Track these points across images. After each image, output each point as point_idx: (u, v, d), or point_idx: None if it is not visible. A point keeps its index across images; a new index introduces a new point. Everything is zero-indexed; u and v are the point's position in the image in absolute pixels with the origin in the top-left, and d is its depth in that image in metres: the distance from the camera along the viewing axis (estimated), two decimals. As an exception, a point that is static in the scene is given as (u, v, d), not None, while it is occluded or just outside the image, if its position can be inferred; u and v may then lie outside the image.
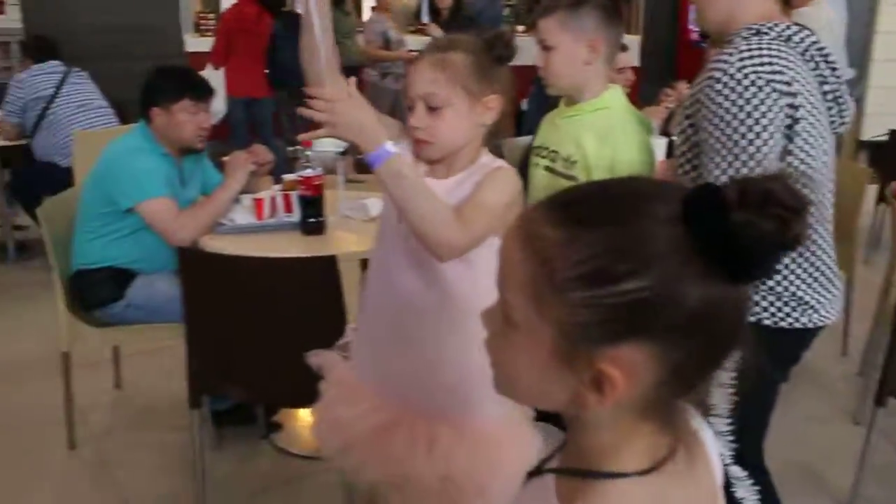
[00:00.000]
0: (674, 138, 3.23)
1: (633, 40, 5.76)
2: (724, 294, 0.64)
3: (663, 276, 0.62)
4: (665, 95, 3.52)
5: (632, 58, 3.51)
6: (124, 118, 4.50)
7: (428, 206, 1.36)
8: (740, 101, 1.48)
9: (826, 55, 1.60)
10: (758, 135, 1.48)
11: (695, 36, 6.76)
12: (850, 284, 3.09)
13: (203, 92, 2.73)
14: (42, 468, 2.65)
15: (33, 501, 2.49)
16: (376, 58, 6.07)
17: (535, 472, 0.79)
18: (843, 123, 1.69)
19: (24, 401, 3.07)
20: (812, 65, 1.59)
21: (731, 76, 1.49)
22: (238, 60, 5.78)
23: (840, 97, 1.65)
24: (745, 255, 0.62)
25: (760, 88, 1.48)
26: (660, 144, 3.28)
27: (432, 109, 1.44)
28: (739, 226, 0.60)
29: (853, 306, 3.22)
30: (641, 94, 3.51)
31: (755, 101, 1.48)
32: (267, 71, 6.01)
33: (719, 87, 1.50)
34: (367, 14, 7.89)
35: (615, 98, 1.99)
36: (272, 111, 6.08)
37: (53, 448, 2.74)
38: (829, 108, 1.64)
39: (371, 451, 1.54)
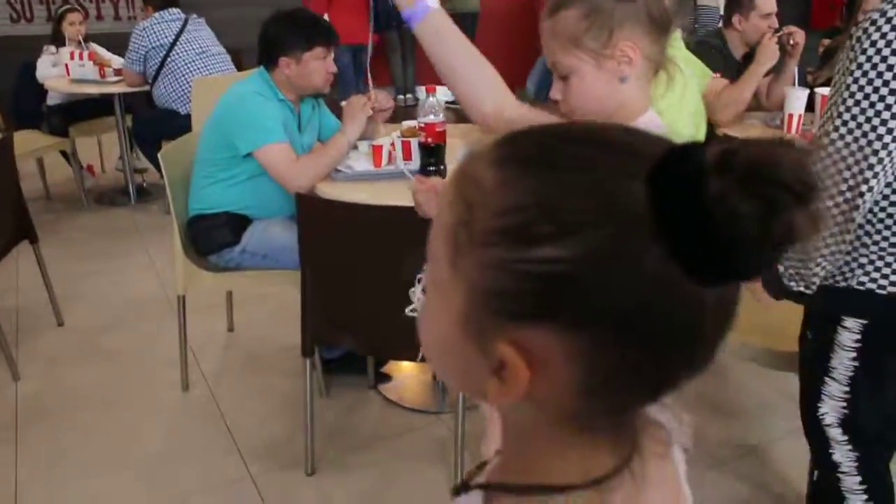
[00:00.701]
0: (817, 90, 2.99)
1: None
2: (683, 290, 0.46)
3: (596, 248, 0.46)
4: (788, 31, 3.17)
5: (775, 4, 3.23)
6: (239, 64, 4.53)
7: (473, 70, 1.24)
8: (886, 51, 1.26)
9: None
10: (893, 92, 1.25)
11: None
12: None
13: (332, 36, 2.64)
14: (155, 407, 2.71)
15: (147, 439, 2.54)
16: None
17: (462, 489, 0.64)
18: None
19: (140, 341, 3.15)
20: None
21: (889, 20, 1.26)
22: (341, 6, 5.71)
23: None
24: (711, 242, 0.44)
25: None
26: (800, 95, 3.03)
27: (563, 78, 1.29)
28: (711, 200, 0.43)
29: None
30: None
31: None
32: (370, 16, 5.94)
33: (872, 30, 1.28)
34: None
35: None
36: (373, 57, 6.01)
37: (167, 388, 2.80)
38: None
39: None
